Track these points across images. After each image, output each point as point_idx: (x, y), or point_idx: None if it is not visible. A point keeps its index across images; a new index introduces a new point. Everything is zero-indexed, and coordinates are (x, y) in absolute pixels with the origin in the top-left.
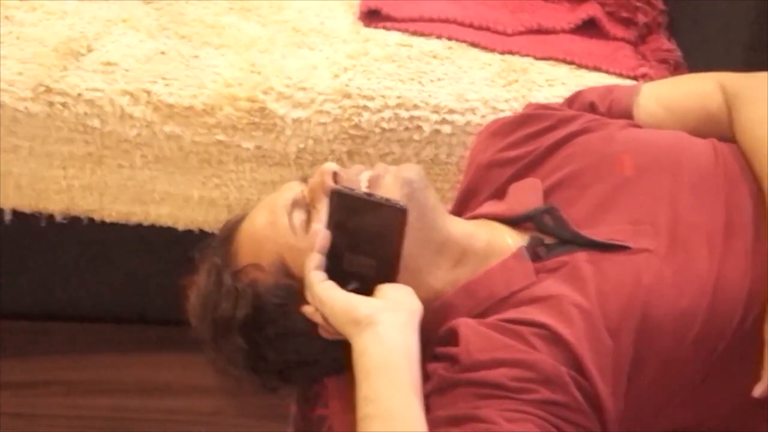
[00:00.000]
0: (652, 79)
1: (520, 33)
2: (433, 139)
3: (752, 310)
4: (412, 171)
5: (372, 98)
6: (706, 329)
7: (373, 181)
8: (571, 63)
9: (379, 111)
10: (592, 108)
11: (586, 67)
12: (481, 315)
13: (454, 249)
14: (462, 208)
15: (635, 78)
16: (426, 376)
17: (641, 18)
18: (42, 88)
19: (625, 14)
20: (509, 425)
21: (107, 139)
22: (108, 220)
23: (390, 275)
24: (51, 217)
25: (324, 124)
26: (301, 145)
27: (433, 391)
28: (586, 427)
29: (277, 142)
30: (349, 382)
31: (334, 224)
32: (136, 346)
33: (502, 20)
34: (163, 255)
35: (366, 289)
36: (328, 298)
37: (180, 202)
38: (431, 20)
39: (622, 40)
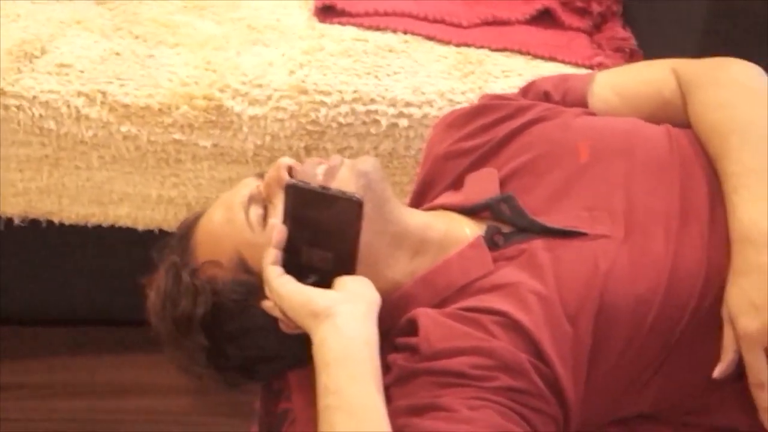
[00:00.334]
0: (607, 67)
1: (476, 25)
2: (390, 133)
3: (709, 293)
4: (367, 163)
5: (329, 93)
6: (664, 313)
7: (328, 173)
8: (526, 54)
9: (336, 106)
10: (546, 97)
11: (542, 58)
12: (440, 305)
13: (411, 240)
14: (420, 199)
15: (591, 67)
16: (386, 367)
17: (596, 7)
18: None
19: (579, 4)
20: (470, 413)
21: (63, 140)
22: (67, 222)
23: (348, 268)
24: (9, 220)
25: (281, 120)
26: (259, 142)
27: (394, 382)
28: (547, 413)
29: (235, 139)
30: (311, 376)
31: (290, 218)
32: (102, 347)
33: (457, 13)
34: (125, 256)
35: (325, 282)
36: (286, 293)
37: (138, 202)
38: (386, 14)
39: (578, 29)
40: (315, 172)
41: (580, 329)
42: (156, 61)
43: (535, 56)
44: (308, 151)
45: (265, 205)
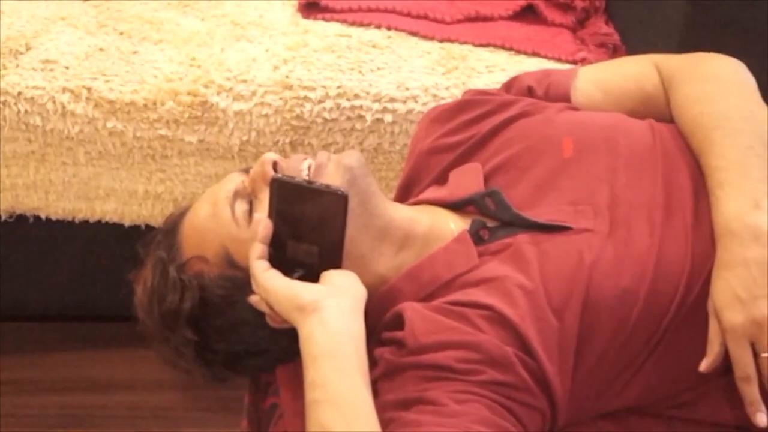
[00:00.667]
0: (591, 63)
1: (459, 21)
2: (375, 128)
3: (695, 286)
4: (352, 158)
5: (313, 89)
6: (650, 306)
7: (316, 170)
8: (510, 49)
9: (321, 101)
10: (529, 92)
11: (525, 53)
12: (426, 299)
13: (396, 234)
14: (405, 195)
15: (574, 62)
16: (374, 361)
17: (579, 3)
18: None
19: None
20: (457, 406)
21: (49, 136)
22: (54, 217)
23: (334, 262)
24: None
25: (266, 116)
26: (244, 138)
27: (381, 376)
28: (534, 407)
29: (220, 135)
30: (298, 370)
31: (275, 213)
32: (86, 343)
33: (440, 8)
34: (111, 252)
35: (311, 276)
36: (273, 287)
37: (125, 198)
38: (369, 10)
39: (561, 25)
40: (300, 167)
41: (565, 323)
42: (141, 57)
43: (519, 52)
44: (293, 146)
45: (251, 200)
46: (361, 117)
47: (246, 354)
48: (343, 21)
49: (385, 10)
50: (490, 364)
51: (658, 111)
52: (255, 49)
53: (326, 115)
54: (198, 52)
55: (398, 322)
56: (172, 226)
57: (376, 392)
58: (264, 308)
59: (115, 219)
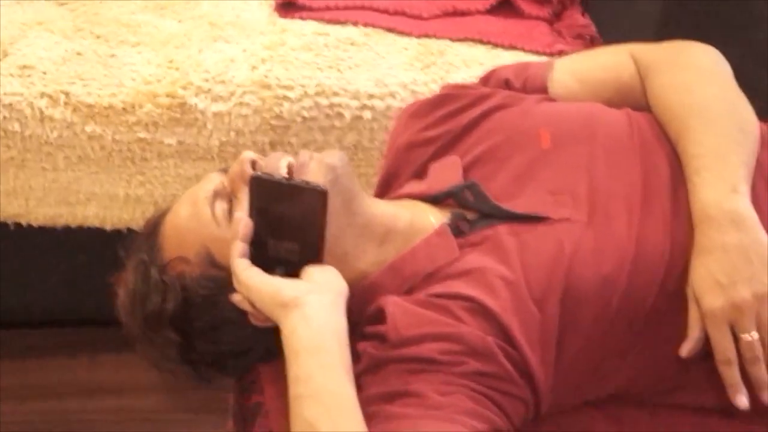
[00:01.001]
0: (568, 54)
1: (436, 16)
2: (354, 126)
3: (674, 273)
4: (334, 157)
5: (291, 88)
6: (630, 293)
7: (299, 169)
8: (487, 43)
9: (300, 100)
10: (507, 85)
11: (503, 47)
12: (407, 292)
13: (377, 230)
14: (385, 190)
15: (552, 55)
16: (357, 356)
17: None
18: None
19: None
20: (441, 398)
21: (28, 142)
22: (35, 224)
23: (315, 258)
24: None
25: (245, 116)
26: (224, 139)
27: (365, 370)
28: (517, 396)
29: (199, 136)
30: (282, 368)
31: (255, 211)
32: (72, 348)
33: (417, 4)
34: (94, 256)
35: (293, 273)
36: (254, 285)
37: (106, 202)
38: (346, 8)
39: (537, 18)
40: (278, 165)
41: (547, 312)
42: (118, 60)
43: (496, 45)
44: (273, 146)
45: (230, 199)
46: (340, 115)
47: (230, 353)
48: (321, 19)
49: (362, 8)
50: (473, 354)
51: (635, 100)
52: (233, 50)
53: (305, 113)
54: (176, 53)
55: (380, 316)
56: (153, 228)
57: (359, 386)
58: (246, 307)
59: (97, 223)
